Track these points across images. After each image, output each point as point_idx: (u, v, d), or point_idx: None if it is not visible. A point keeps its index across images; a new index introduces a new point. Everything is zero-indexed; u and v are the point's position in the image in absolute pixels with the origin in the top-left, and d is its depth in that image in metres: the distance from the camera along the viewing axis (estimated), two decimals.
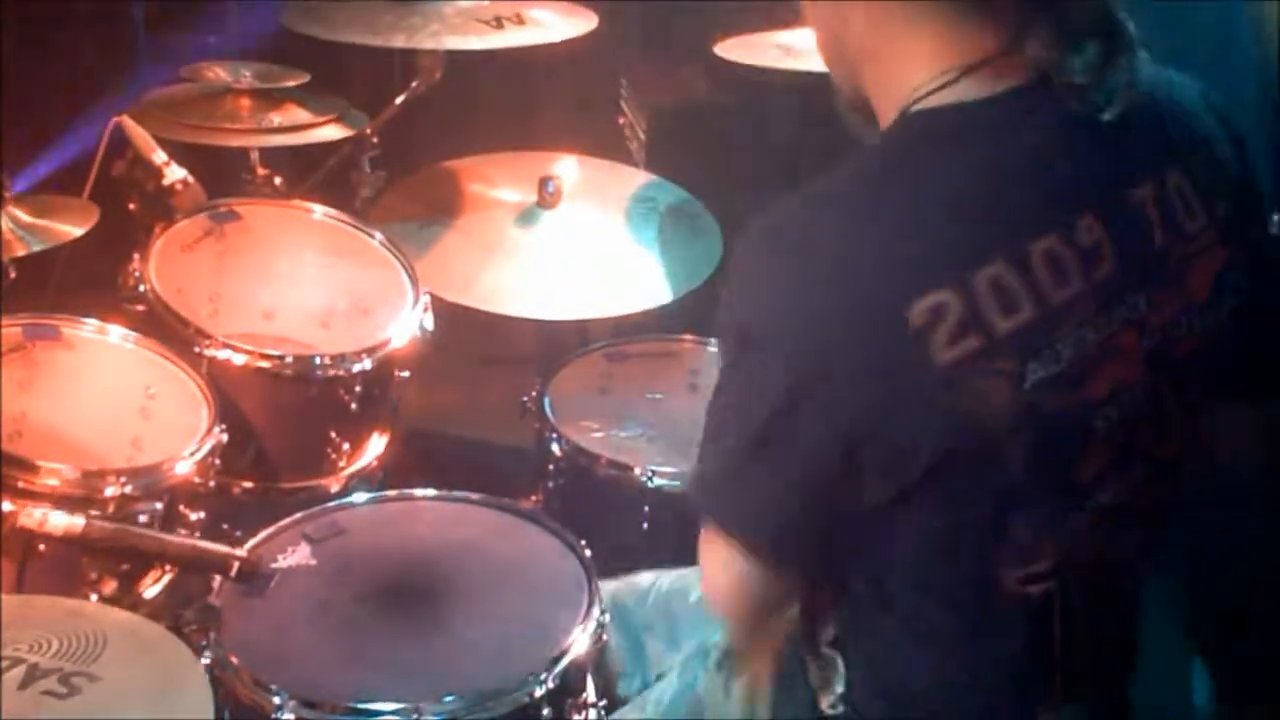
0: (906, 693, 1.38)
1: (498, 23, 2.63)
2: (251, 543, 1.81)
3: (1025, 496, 1.24)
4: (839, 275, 1.19)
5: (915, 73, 1.23)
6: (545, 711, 1.63)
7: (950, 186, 1.20)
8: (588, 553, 1.83)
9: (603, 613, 1.72)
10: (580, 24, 2.69)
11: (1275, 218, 2.77)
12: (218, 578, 1.74)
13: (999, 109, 1.22)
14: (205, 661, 1.60)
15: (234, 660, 1.63)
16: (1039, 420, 1.20)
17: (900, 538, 1.27)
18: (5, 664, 1.45)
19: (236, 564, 1.71)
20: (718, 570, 1.35)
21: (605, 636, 1.71)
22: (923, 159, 1.22)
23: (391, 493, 1.99)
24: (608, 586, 1.82)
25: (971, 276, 1.17)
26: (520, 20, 2.66)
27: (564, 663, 1.64)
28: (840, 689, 1.44)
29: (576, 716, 1.67)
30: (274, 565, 1.76)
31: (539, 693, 1.62)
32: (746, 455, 1.26)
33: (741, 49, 2.56)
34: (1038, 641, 1.33)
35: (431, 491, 1.97)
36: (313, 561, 1.80)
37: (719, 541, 1.32)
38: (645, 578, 1.86)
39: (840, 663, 1.44)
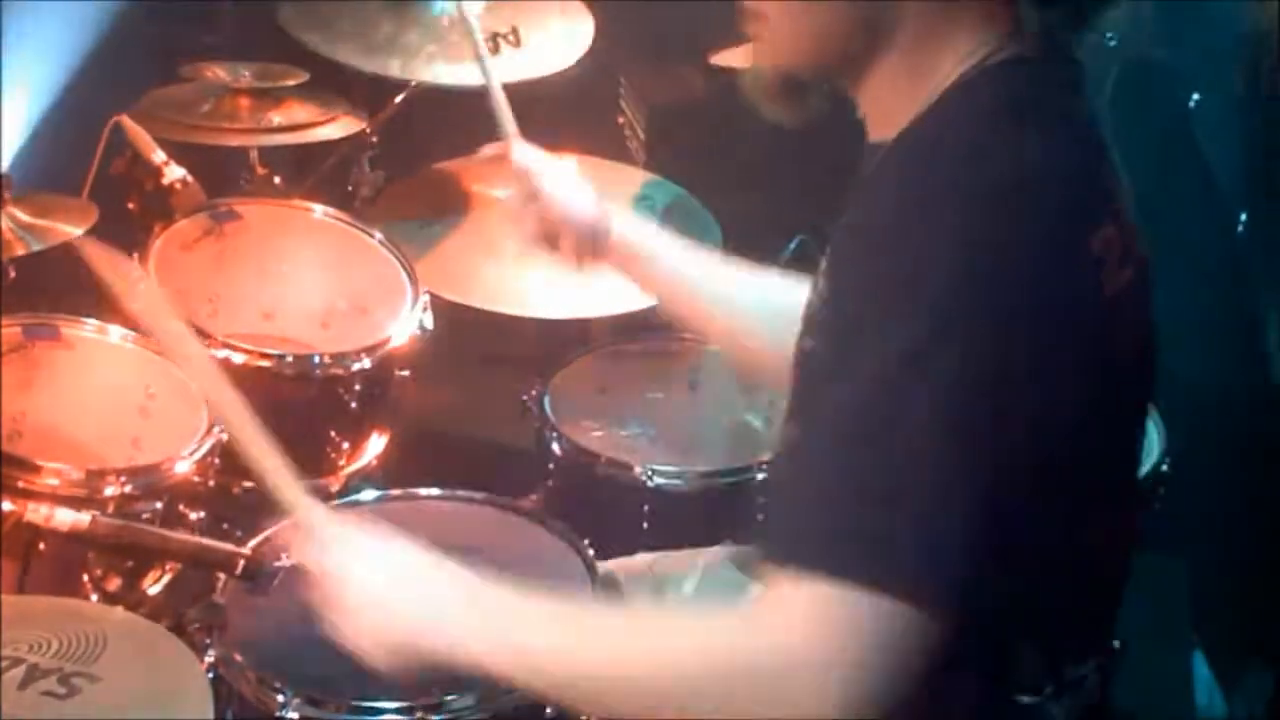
0: None
1: (494, 44, 2.64)
2: (254, 541, 1.80)
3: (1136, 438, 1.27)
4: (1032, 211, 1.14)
5: (967, 37, 1.22)
6: (548, 710, 1.63)
7: (1077, 125, 1.22)
8: (590, 552, 1.83)
9: None
10: (575, 43, 2.71)
11: (1243, 216, 2.78)
12: (221, 576, 1.74)
13: (1054, 69, 1.23)
14: (209, 659, 1.60)
15: (238, 658, 1.62)
16: (1149, 353, 1.23)
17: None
18: (5, 664, 1.45)
19: (241, 562, 1.71)
20: (844, 642, 1.06)
21: None
22: (1043, 99, 1.21)
23: (395, 491, 1.99)
24: (603, 566, 1.81)
25: (1120, 211, 1.20)
26: (517, 39, 2.67)
27: None
28: None
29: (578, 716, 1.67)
30: (277, 564, 1.76)
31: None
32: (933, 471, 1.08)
33: (741, 55, 2.56)
34: (1117, 577, 1.34)
35: (433, 490, 1.97)
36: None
37: (848, 604, 1.06)
38: (642, 559, 1.85)
39: None
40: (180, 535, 1.84)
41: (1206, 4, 2.70)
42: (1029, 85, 1.21)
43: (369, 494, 1.99)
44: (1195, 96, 3.08)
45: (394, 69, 2.59)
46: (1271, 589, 1.97)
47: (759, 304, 1.67)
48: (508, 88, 2.00)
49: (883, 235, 1.15)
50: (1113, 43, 3.08)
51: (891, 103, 1.26)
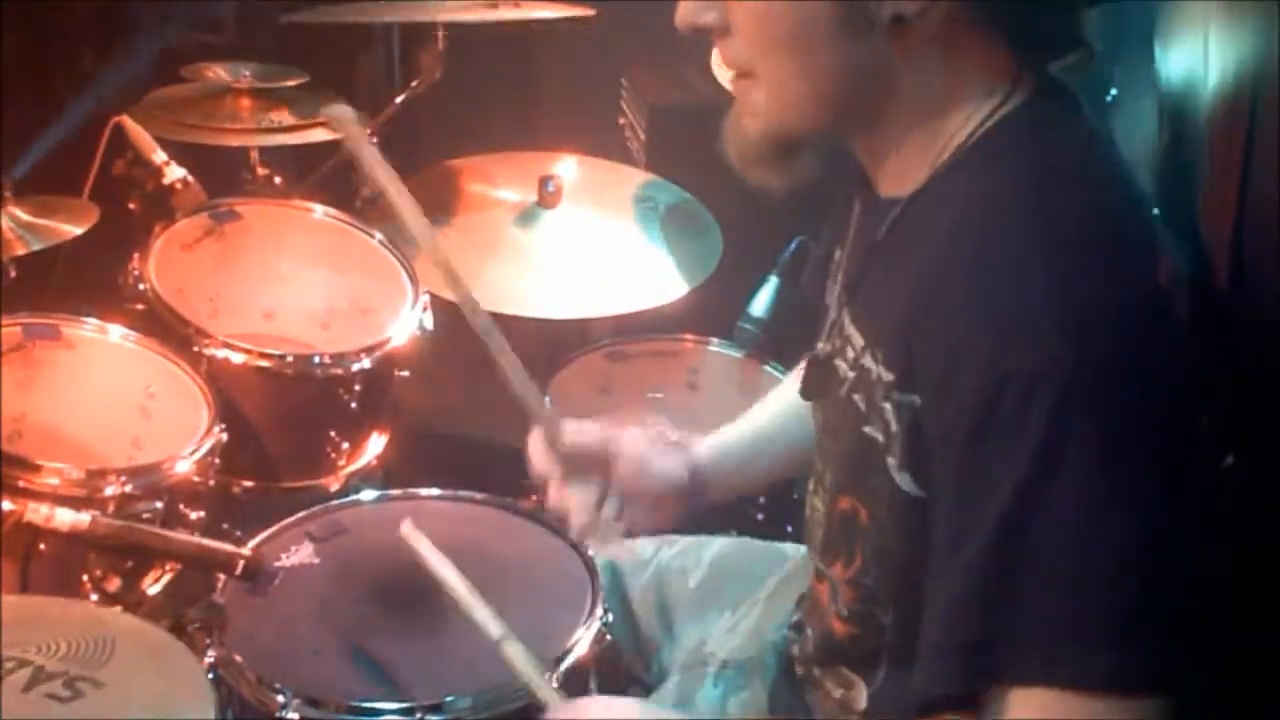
0: None
1: (493, 3, 2.64)
2: (254, 541, 1.81)
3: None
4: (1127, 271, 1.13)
5: (976, 88, 1.21)
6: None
7: (1109, 162, 1.21)
8: (591, 553, 1.82)
9: (606, 612, 1.71)
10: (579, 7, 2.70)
11: (1154, 212, 2.78)
12: (221, 576, 1.74)
13: (1061, 109, 1.23)
14: (210, 660, 1.60)
15: (238, 659, 1.62)
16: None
17: None
18: (12, 665, 1.45)
19: (241, 562, 1.71)
20: None
21: (609, 636, 1.70)
22: (1071, 144, 1.20)
23: (395, 491, 1.99)
24: (605, 555, 1.80)
25: (1160, 239, 1.18)
26: (517, 3, 2.67)
27: (567, 663, 1.64)
28: (862, 705, 1.38)
29: None
30: (277, 564, 1.76)
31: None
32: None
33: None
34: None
35: (435, 491, 1.97)
36: (316, 560, 1.80)
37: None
38: (647, 546, 1.83)
39: (863, 684, 1.38)
40: (181, 535, 1.84)
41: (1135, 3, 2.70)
42: (1053, 133, 1.20)
43: (369, 494, 1.99)
44: (1113, 91, 3.07)
45: (388, 16, 2.57)
46: (1271, 589, 1.97)
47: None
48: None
49: (973, 313, 1.11)
50: None
51: (901, 159, 1.24)
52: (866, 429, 1.24)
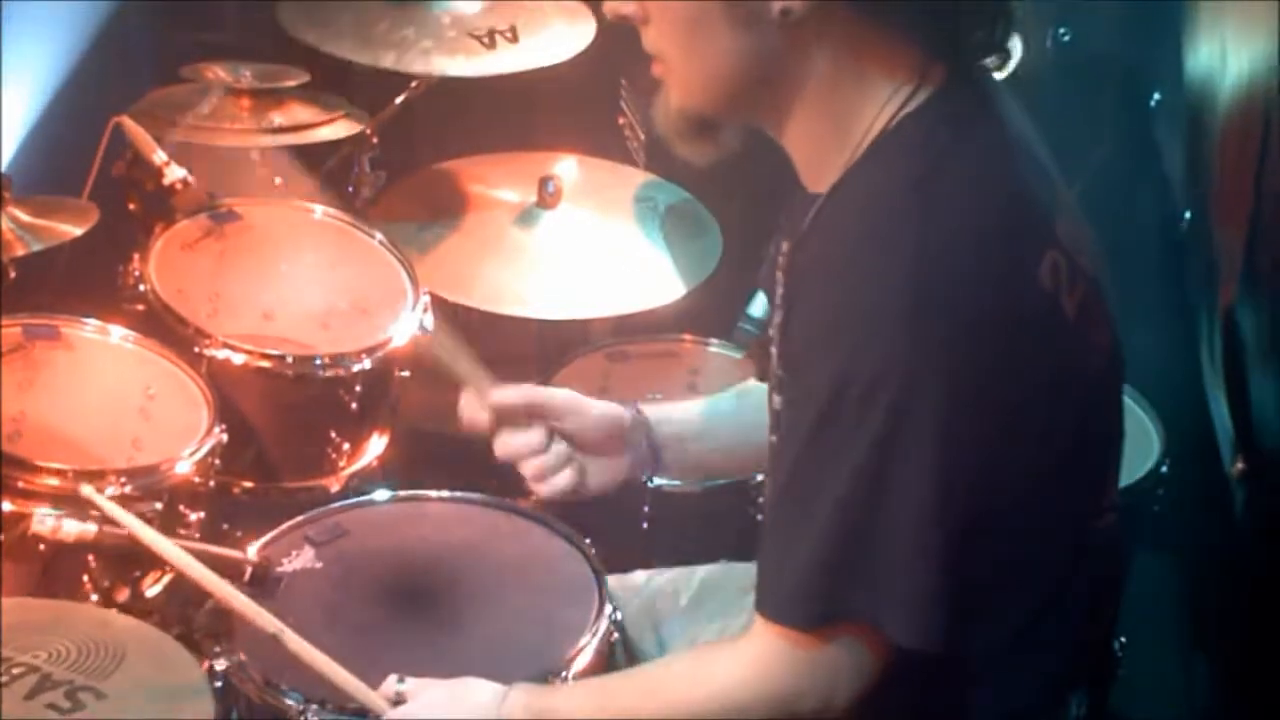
0: None
1: (490, 39, 2.64)
2: (253, 546, 1.80)
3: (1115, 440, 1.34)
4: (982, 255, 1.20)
5: (882, 84, 1.25)
6: None
7: (1003, 160, 1.25)
8: (594, 551, 1.83)
9: (615, 610, 1.71)
10: (573, 41, 2.70)
11: (1186, 215, 2.78)
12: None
13: (968, 102, 1.27)
14: (220, 667, 1.60)
15: (246, 663, 1.62)
16: (1118, 364, 1.30)
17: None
18: (20, 670, 1.45)
19: (248, 569, 1.70)
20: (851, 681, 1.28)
21: (616, 635, 1.70)
22: (967, 141, 1.24)
23: (394, 493, 1.99)
24: None
25: (1060, 230, 1.24)
26: (514, 36, 2.67)
27: (578, 664, 1.64)
28: None
29: None
30: (279, 570, 1.76)
31: None
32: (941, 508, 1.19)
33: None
34: (1112, 575, 1.41)
35: (433, 490, 1.96)
36: (318, 565, 1.80)
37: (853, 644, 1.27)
38: (639, 576, 1.86)
39: None
40: (187, 543, 1.83)
41: (1173, 4, 2.70)
42: (950, 130, 1.23)
43: (382, 494, 1.98)
44: (1156, 96, 3.08)
45: (388, 61, 2.59)
46: (1271, 590, 1.97)
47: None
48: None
49: (835, 311, 1.21)
50: (1066, 38, 3.08)
51: (817, 152, 1.30)
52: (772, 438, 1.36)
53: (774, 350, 1.37)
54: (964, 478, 1.18)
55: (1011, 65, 1.30)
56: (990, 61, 1.28)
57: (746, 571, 1.82)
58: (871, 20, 1.22)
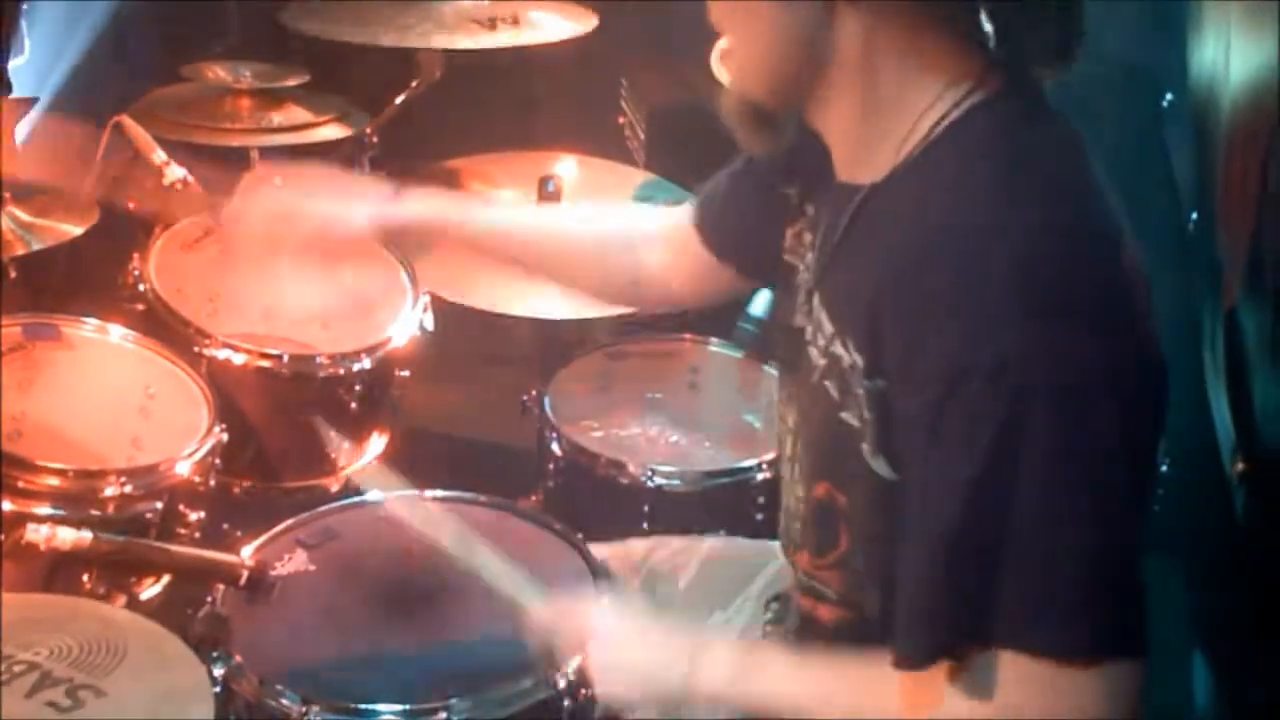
0: None
1: (491, 24, 2.64)
2: (250, 547, 1.80)
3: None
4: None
5: (937, 76, 1.24)
6: (558, 712, 1.63)
7: (1074, 153, 1.24)
8: (591, 552, 1.82)
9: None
10: (577, 25, 2.69)
11: (1193, 215, 2.79)
12: (221, 587, 1.73)
13: (1031, 100, 1.26)
14: (219, 672, 1.60)
15: (245, 667, 1.62)
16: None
17: None
18: (21, 668, 1.45)
19: (245, 573, 1.70)
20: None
21: None
22: (1045, 132, 1.24)
23: (391, 494, 1.98)
24: (600, 551, 1.81)
25: (1123, 226, 1.22)
26: (516, 22, 2.67)
27: (574, 663, 1.64)
28: None
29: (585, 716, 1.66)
30: (273, 573, 1.75)
31: (548, 693, 1.61)
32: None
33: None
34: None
35: (433, 490, 1.96)
36: (311, 567, 1.79)
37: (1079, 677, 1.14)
38: (638, 546, 1.84)
39: None
40: (182, 548, 1.83)
41: (1183, 5, 2.70)
42: (1027, 123, 1.23)
43: (376, 494, 1.98)
44: (1169, 97, 3.08)
45: (388, 40, 2.58)
46: (1271, 590, 1.97)
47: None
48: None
49: (945, 314, 1.15)
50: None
51: (864, 144, 1.28)
52: (843, 415, 1.28)
53: (813, 343, 1.34)
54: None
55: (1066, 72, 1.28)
56: (1047, 70, 1.27)
57: (745, 548, 1.83)
58: (927, 12, 1.22)
